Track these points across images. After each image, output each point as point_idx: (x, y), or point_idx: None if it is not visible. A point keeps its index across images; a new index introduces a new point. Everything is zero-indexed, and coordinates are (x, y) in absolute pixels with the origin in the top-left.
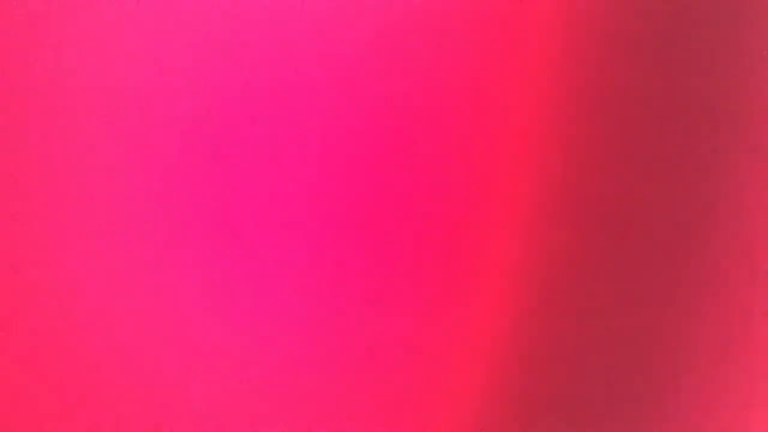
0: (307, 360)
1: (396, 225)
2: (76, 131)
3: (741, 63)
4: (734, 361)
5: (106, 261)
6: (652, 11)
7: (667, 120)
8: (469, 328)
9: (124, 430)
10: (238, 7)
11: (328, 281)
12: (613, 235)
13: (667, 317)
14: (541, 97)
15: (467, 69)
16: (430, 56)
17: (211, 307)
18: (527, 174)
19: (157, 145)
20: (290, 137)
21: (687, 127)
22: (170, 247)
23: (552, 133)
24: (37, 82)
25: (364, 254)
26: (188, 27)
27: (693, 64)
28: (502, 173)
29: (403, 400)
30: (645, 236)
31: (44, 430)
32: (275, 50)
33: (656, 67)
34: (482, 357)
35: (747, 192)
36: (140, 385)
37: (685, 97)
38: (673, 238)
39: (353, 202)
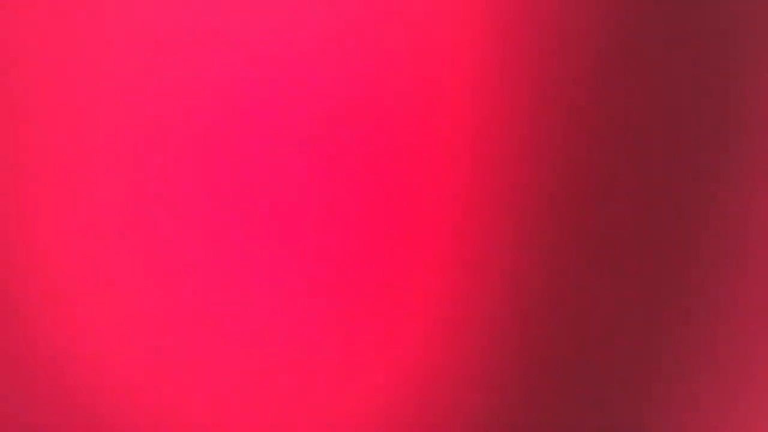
0: (302, 358)
1: (389, 225)
2: (74, 130)
3: (742, 60)
4: (735, 361)
5: (104, 260)
6: (652, 12)
7: (665, 119)
8: (466, 328)
9: (123, 429)
10: (233, 6)
11: (325, 278)
12: (610, 238)
13: (664, 318)
14: (542, 96)
15: (464, 69)
16: (425, 56)
17: (207, 303)
18: (526, 174)
19: (154, 145)
20: (287, 136)
21: (685, 126)
22: (167, 245)
23: (552, 133)
24: (34, 81)
25: (364, 253)
26: (186, 26)
27: (691, 62)
28: (504, 174)
29: (396, 398)
30: (642, 236)
31: (45, 430)
32: (274, 49)
33: (655, 66)
34: (480, 358)
35: (747, 191)
36: (137, 382)
37: (683, 96)
38: (671, 239)
39: (353, 200)
